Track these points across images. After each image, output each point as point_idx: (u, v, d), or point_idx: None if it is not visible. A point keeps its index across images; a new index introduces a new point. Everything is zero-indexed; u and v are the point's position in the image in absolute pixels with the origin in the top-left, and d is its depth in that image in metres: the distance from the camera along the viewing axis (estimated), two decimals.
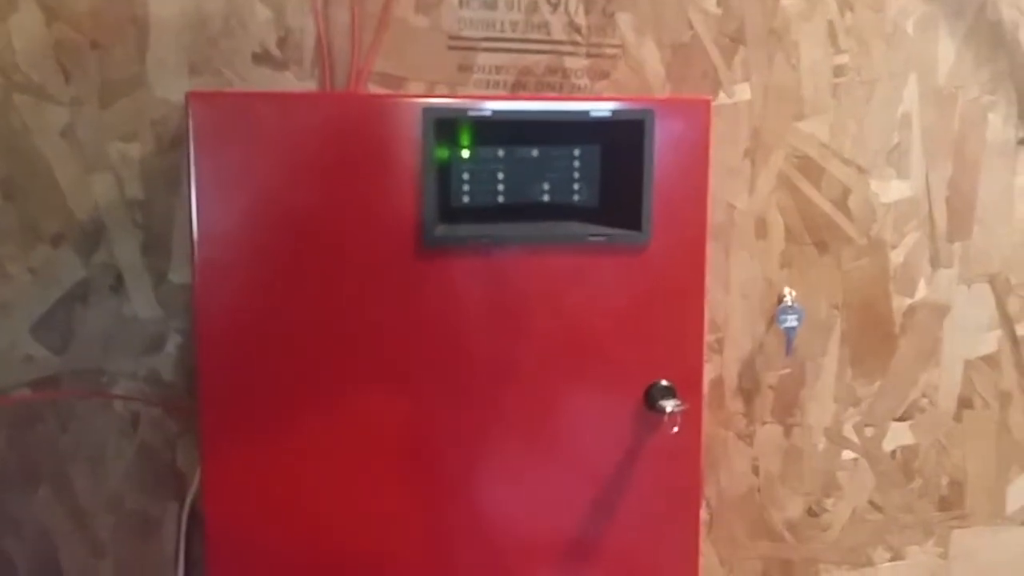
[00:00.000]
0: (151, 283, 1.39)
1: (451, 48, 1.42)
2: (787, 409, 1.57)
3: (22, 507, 1.40)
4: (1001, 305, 1.61)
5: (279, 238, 1.15)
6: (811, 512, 1.61)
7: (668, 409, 1.22)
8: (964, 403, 1.63)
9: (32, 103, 1.33)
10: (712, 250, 1.40)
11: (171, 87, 1.35)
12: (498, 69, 1.42)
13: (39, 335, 1.37)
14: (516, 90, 1.43)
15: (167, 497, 1.43)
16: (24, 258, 1.36)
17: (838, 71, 1.51)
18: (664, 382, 1.25)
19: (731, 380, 1.55)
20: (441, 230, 1.18)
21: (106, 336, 1.39)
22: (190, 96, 1.12)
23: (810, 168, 1.53)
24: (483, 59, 1.42)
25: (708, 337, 1.50)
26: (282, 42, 1.37)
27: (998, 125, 1.57)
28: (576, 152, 1.24)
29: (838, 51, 1.51)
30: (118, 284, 1.38)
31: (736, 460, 1.58)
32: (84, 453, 1.40)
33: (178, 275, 1.39)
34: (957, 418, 1.63)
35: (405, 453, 1.21)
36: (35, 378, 1.38)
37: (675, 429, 1.23)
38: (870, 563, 1.64)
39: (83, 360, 1.39)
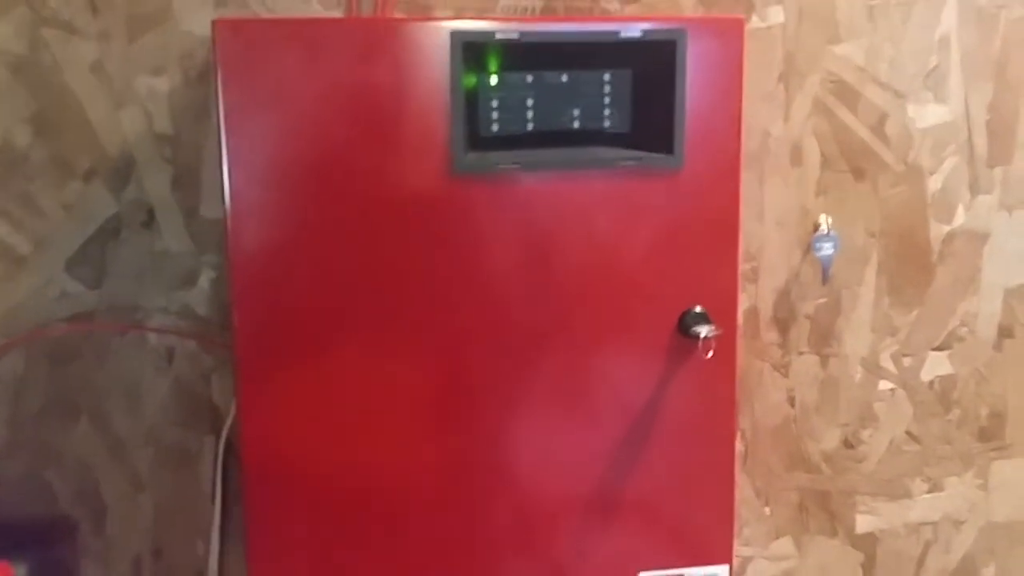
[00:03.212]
0: (182, 218, 1.39)
1: None
2: (823, 339, 1.56)
3: (63, 440, 1.42)
4: None
5: (308, 168, 1.15)
6: (847, 443, 1.60)
7: (702, 334, 1.21)
8: (1004, 332, 1.60)
9: (61, 38, 1.33)
10: (746, 179, 1.37)
11: (197, 20, 1.35)
12: None
13: (74, 271, 1.39)
14: (545, 15, 1.41)
15: (203, 430, 1.44)
16: (57, 194, 1.36)
17: None
18: (698, 308, 1.24)
19: (766, 310, 1.54)
20: (471, 157, 1.17)
21: (139, 271, 1.39)
22: (216, 24, 1.11)
23: (846, 93, 1.49)
24: None
25: (742, 266, 1.49)
26: None
27: None
28: (606, 77, 1.21)
29: None
30: (149, 219, 1.39)
31: (771, 391, 1.56)
32: (121, 387, 1.42)
33: (209, 210, 1.39)
34: (997, 347, 1.60)
35: (437, 381, 1.21)
36: (71, 314, 1.39)
37: (709, 355, 1.22)
38: (908, 495, 1.63)
39: (117, 295, 1.40)
